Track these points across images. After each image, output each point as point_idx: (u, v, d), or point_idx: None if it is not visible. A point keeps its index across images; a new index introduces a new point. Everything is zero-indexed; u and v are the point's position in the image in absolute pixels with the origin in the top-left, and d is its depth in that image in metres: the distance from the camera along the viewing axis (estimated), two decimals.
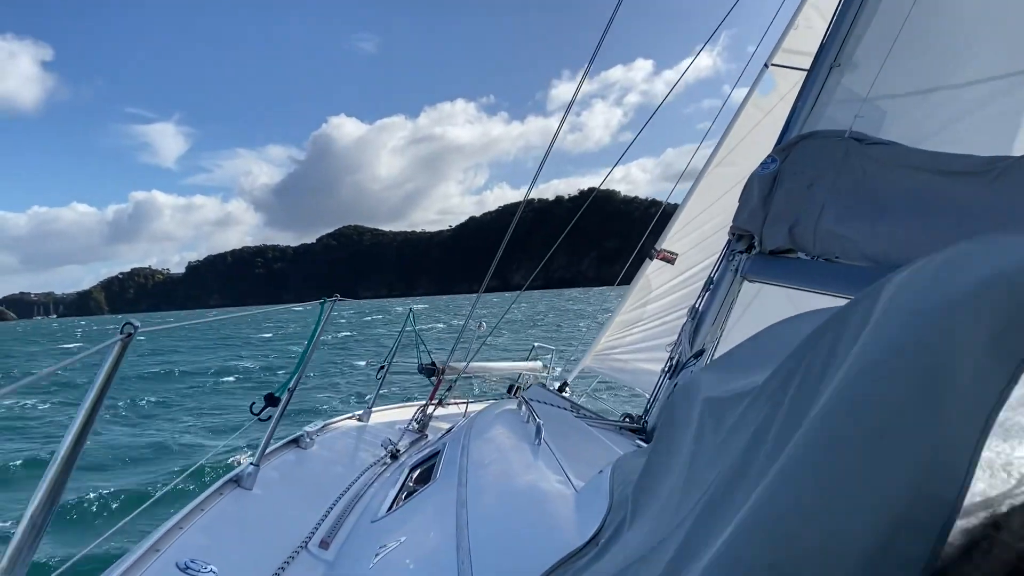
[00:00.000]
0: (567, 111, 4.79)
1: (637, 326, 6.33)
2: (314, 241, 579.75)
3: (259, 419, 3.29)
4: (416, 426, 5.19)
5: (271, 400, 3.35)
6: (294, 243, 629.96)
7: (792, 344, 1.05)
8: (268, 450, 3.39)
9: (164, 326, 2.09)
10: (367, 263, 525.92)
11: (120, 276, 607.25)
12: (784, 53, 5.12)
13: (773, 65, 5.20)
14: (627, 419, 4.03)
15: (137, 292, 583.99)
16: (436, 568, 1.95)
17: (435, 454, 3.49)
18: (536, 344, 7.14)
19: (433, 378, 5.71)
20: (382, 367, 5.33)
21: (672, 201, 6.15)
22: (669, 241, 5.90)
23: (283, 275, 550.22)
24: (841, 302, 1.02)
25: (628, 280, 6.48)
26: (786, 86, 5.18)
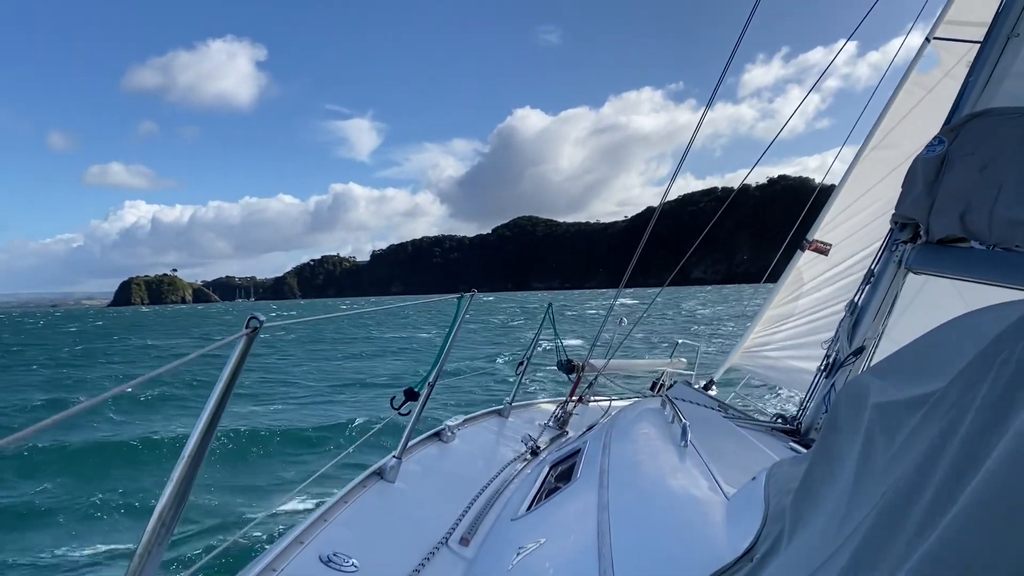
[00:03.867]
0: (709, 103, 4.60)
1: (788, 322, 6.06)
2: (489, 232, 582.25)
3: (399, 413, 3.33)
4: (556, 423, 5.21)
5: (410, 395, 3.41)
6: (473, 234, 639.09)
7: (978, 344, 0.92)
8: (410, 443, 3.43)
9: (288, 321, 2.05)
10: (540, 254, 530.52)
11: (311, 263, 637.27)
12: (948, 25, 4.67)
13: (935, 39, 4.76)
14: (779, 420, 3.86)
15: (326, 278, 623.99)
16: (577, 574, 1.88)
17: (575, 452, 3.46)
18: (680, 340, 6.95)
19: (572, 375, 5.66)
20: (522, 363, 5.38)
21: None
22: (822, 231, 5.58)
23: (459, 265, 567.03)
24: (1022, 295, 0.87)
25: (776, 276, 6.16)
26: (951, 60, 4.73)
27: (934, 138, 3.19)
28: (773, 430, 3.70)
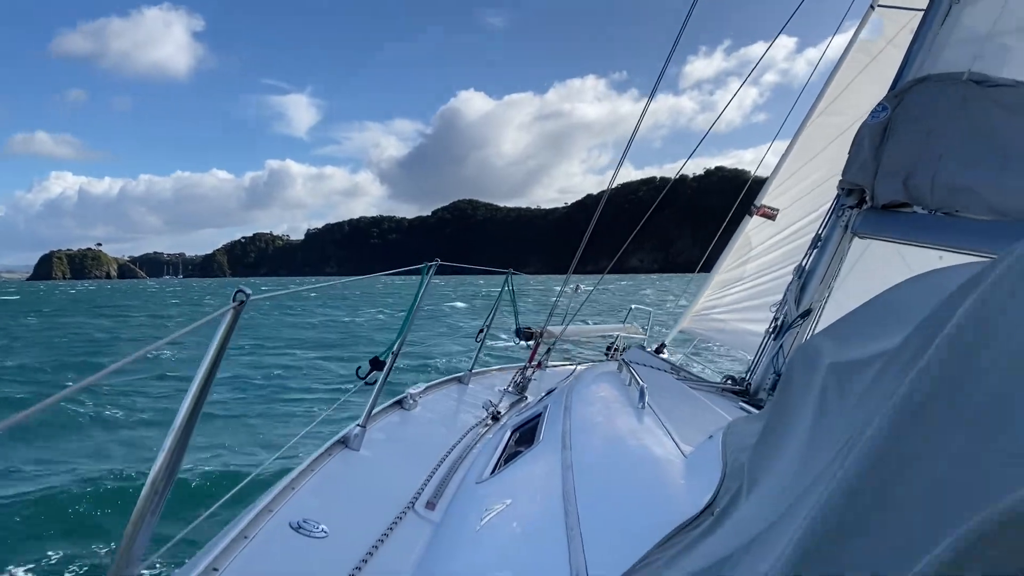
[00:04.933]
0: (652, 93, 4.65)
1: (736, 285, 6.23)
2: (429, 214, 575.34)
3: (366, 383, 3.32)
4: (516, 388, 5.27)
5: (376, 364, 3.40)
6: (413, 215, 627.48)
7: (929, 304, 0.94)
8: (374, 412, 3.44)
9: (275, 292, 2.06)
10: (479, 238, 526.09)
11: (243, 240, 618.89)
12: None
13: (880, 6, 4.85)
14: (729, 381, 3.97)
15: (257, 256, 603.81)
16: (544, 534, 1.93)
17: (536, 416, 3.50)
18: (633, 306, 7.05)
19: (531, 342, 5.72)
20: (481, 331, 5.42)
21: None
22: (769, 196, 5.69)
23: (397, 246, 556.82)
24: (964, 259, 0.90)
25: (711, 267, 6.29)
26: (894, 28, 4.83)
27: (878, 104, 3.28)
28: (724, 391, 3.80)
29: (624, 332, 6.50)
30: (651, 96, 4.80)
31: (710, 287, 6.35)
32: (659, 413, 2.82)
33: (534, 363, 5.67)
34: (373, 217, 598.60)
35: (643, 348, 5.28)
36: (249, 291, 1.69)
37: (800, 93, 5.97)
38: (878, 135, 3.20)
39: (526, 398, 5.12)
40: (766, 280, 5.89)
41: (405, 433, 3.80)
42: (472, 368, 5.39)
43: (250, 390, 13.71)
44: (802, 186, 5.65)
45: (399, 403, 4.13)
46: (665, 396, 3.27)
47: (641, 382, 3.13)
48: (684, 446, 2.35)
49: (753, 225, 5.94)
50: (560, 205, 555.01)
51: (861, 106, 3.42)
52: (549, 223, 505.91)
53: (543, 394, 4.64)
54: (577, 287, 6.04)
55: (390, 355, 3.37)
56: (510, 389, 5.22)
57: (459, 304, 48.99)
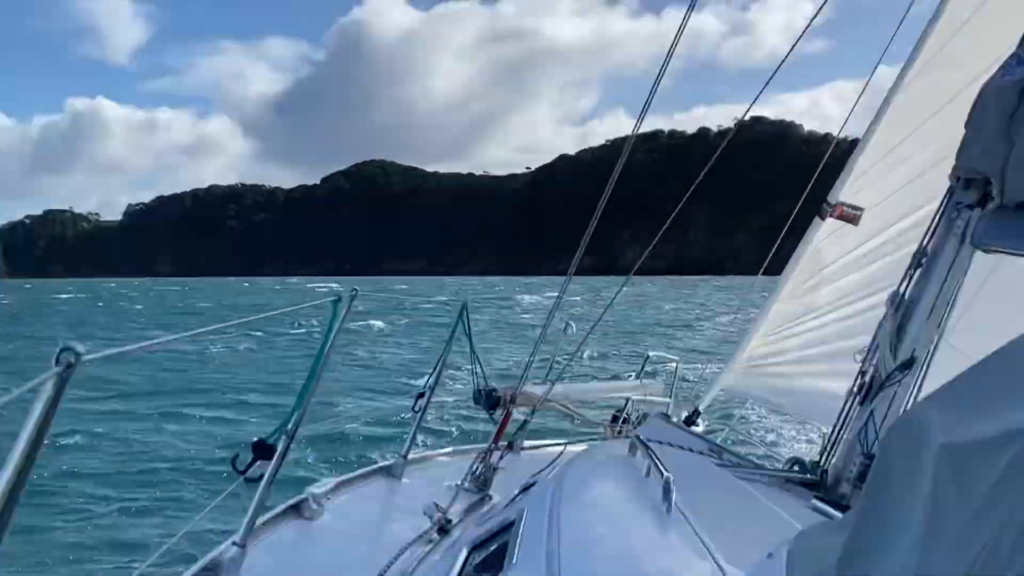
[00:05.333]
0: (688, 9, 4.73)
1: (803, 322, 6.34)
2: (319, 182, 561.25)
3: (245, 478, 3.37)
4: (475, 483, 5.34)
5: (262, 449, 3.42)
6: (293, 184, 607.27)
7: None
8: (259, 522, 3.45)
9: (122, 349, 2.24)
10: (395, 219, 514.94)
11: (26, 221, 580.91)
12: None
13: None
14: (796, 468, 4.04)
15: (49, 246, 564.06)
16: None
17: (506, 527, 3.49)
18: (652, 354, 7.13)
19: (498, 411, 5.77)
20: (421, 394, 5.55)
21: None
22: (849, 191, 5.78)
23: (267, 232, 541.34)
24: None
25: (779, 268, 6.42)
26: None
27: (1010, 57, 3.37)
28: (788, 482, 3.85)
29: (638, 393, 6.57)
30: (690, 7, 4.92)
31: (765, 324, 6.44)
32: (693, 519, 2.84)
33: (502, 444, 5.72)
34: (231, 187, 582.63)
35: (667, 418, 5.33)
36: (80, 348, 1.76)
37: (897, 27, 6.05)
38: (1012, 100, 3.28)
39: (491, 498, 5.17)
40: (847, 314, 6.00)
41: (305, 555, 3.82)
42: (407, 451, 5.48)
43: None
44: (896, 176, 5.77)
45: (296, 509, 4.22)
46: (702, 491, 3.32)
47: (665, 471, 3.16)
48: (732, 570, 2.39)
49: (826, 232, 6.03)
50: (520, 170, 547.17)
51: (984, 59, 3.51)
52: (504, 198, 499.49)
53: (516, 492, 4.67)
54: (567, 326, 6.12)
55: (282, 436, 3.40)
56: (466, 485, 5.25)
57: (376, 323, 49.28)
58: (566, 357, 6.07)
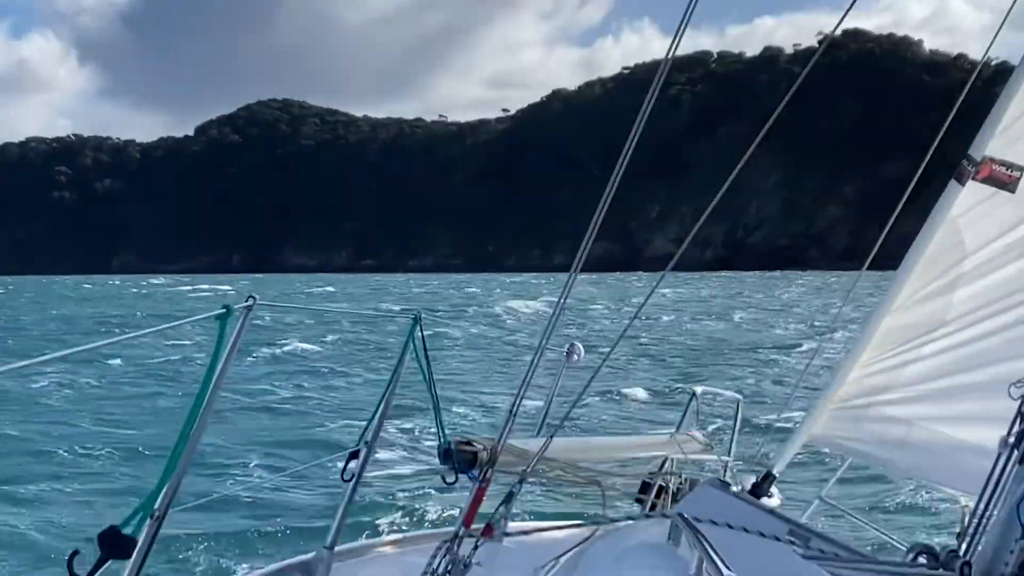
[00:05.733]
0: None
1: (929, 341, 6.35)
2: (192, 134, 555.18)
3: None
4: None
5: (115, 543, 3.47)
6: (155, 137, 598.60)
7: None
8: None
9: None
10: (305, 187, 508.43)
11: None
12: None
13: None
14: (922, 558, 4.04)
15: None
16: None
17: None
18: (700, 389, 7.15)
19: (472, 473, 5.78)
20: (355, 454, 5.75)
21: None
22: (1000, 142, 5.80)
23: (117, 203, 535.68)
24: None
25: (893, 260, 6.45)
26: None
27: None
28: None
29: (680, 450, 6.58)
30: None
31: (869, 344, 6.45)
32: None
33: (476, 527, 5.76)
34: (60, 140, 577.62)
35: (725, 486, 5.37)
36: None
37: None
38: None
39: None
40: (998, 326, 6.06)
41: None
42: (334, 540, 5.65)
43: None
44: None
45: None
46: None
47: (726, 568, 3.16)
48: None
49: (968, 203, 6.08)
50: (493, 115, 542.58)
51: None
52: (470, 155, 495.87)
53: None
54: (572, 349, 6.13)
55: (146, 520, 3.44)
56: None
57: (301, 345, 49.76)
58: (570, 396, 6.10)
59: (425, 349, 5.86)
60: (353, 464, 5.79)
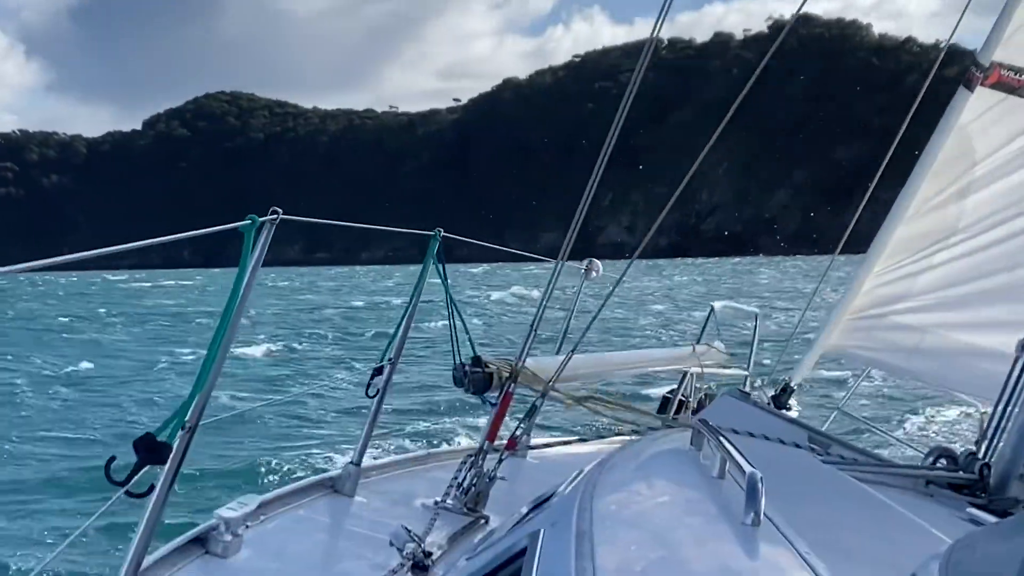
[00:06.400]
0: None
1: (942, 248, 6.42)
2: (140, 128, 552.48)
3: (128, 492, 3.48)
4: (462, 499, 5.52)
5: (150, 449, 3.52)
6: (102, 132, 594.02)
7: None
8: (147, 561, 3.54)
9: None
10: (253, 180, 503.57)
11: None
12: None
13: None
14: (942, 462, 4.20)
15: None
16: None
17: (512, 560, 3.52)
18: (719, 304, 7.20)
19: (492, 394, 5.81)
20: (379, 370, 5.76)
21: None
22: (1010, 46, 5.86)
23: (64, 199, 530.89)
24: None
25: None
26: None
27: None
28: (931, 484, 3.91)
29: (699, 363, 6.61)
30: None
31: (883, 255, 6.49)
32: (792, 534, 2.88)
33: (499, 442, 5.84)
34: (7, 136, 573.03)
35: (745, 396, 5.40)
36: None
37: None
38: None
39: (485, 521, 5.37)
40: (1012, 231, 6.10)
41: None
42: (360, 455, 5.70)
43: None
44: None
45: (201, 541, 4.41)
46: (803, 498, 3.44)
47: (749, 466, 3.16)
48: None
49: (977, 109, 6.12)
50: (443, 105, 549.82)
51: None
52: (421, 145, 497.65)
53: (524, 511, 4.71)
54: (590, 266, 6.17)
55: (179, 429, 3.59)
56: (449, 502, 5.46)
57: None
58: (586, 310, 6.14)
59: (444, 266, 5.97)
60: (377, 380, 5.82)
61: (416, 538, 4.61)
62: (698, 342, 7.04)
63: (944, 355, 6.30)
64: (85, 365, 39.71)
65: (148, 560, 3.80)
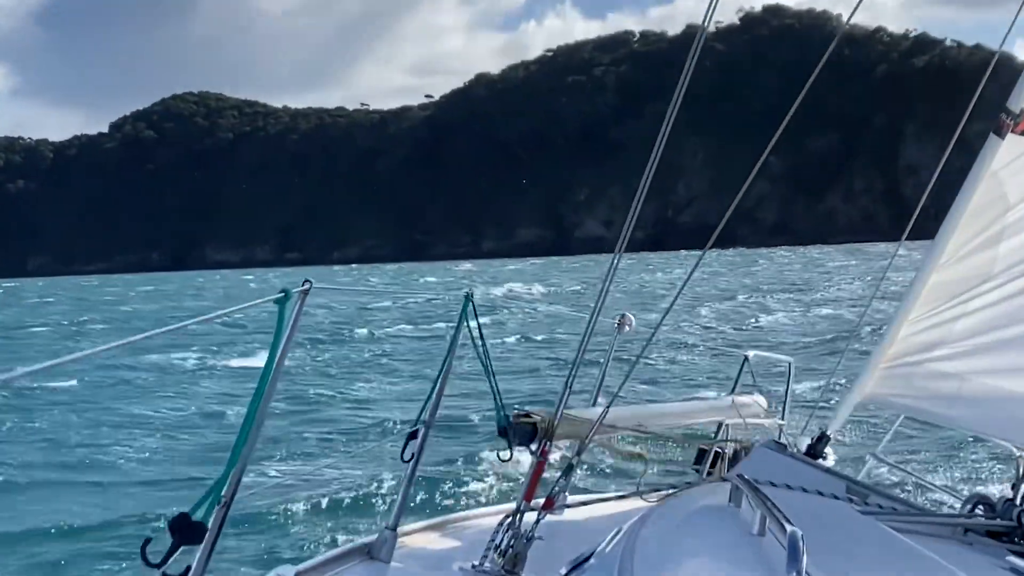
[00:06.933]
0: None
1: (977, 295, 6.44)
2: (107, 131, 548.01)
3: (164, 574, 3.50)
4: (500, 559, 5.46)
5: (185, 529, 3.58)
6: (68, 135, 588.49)
7: None
8: None
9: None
10: (223, 180, 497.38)
11: None
12: None
13: None
14: (979, 509, 4.08)
15: None
16: None
17: None
18: (752, 354, 7.20)
19: (532, 447, 5.78)
20: (413, 434, 5.81)
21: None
22: None
23: (30, 204, 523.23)
24: None
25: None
26: None
27: None
28: (969, 532, 3.91)
29: (736, 415, 6.61)
30: None
31: (918, 301, 6.50)
32: None
33: (536, 501, 5.81)
34: None
35: (781, 448, 5.41)
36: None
37: None
38: None
39: None
40: None
41: None
42: (396, 520, 5.68)
43: None
44: None
45: None
46: (844, 551, 3.46)
47: (789, 524, 3.18)
48: None
49: (1010, 155, 6.13)
50: (416, 101, 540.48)
51: None
52: (393, 143, 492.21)
53: (564, 571, 4.72)
54: (623, 320, 6.18)
55: (214, 507, 3.65)
56: (487, 565, 5.44)
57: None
58: (623, 366, 6.15)
59: (479, 325, 5.93)
60: (412, 444, 5.86)
61: None
62: (733, 391, 7.04)
63: (982, 401, 6.30)
64: None
65: None
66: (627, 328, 6.44)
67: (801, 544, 2.99)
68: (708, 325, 57.90)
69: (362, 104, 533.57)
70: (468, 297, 6.00)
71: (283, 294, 4.11)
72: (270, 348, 4.02)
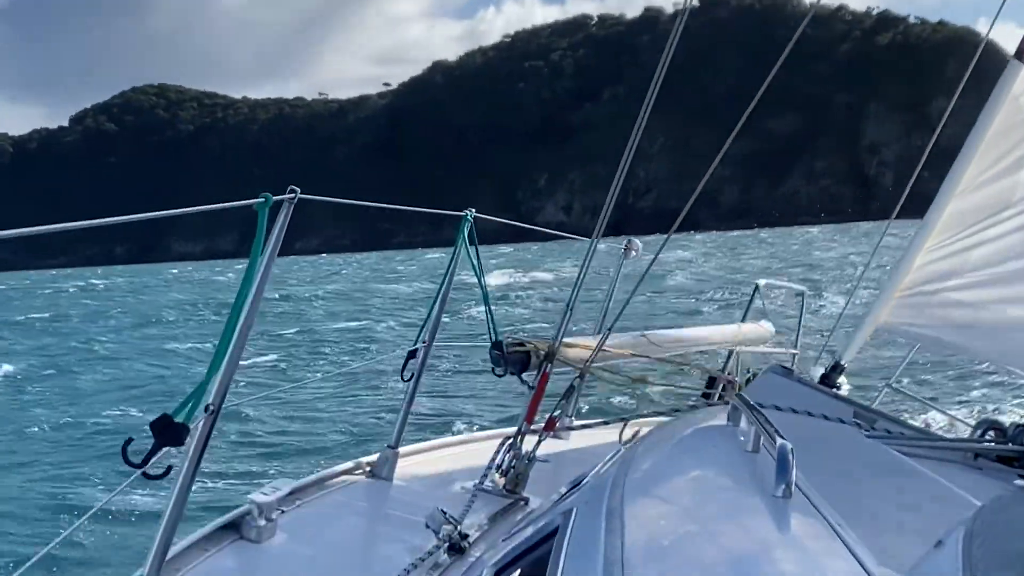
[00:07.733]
0: None
1: (996, 222, 6.39)
2: (67, 124, 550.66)
3: (145, 474, 3.53)
4: (500, 482, 5.61)
5: (167, 431, 3.56)
6: (27, 130, 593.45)
7: None
8: (175, 549, 3.75)
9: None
10: (183, 170, 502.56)
11: None
12: None
13: None
14: (989, 434, 4.29)
15: None
16: None
17: (546, 539, 3.54)
18: (764, 281, 7.20)
19: (529, 374, 5.95)
20: (413, 353, 5.88)
21: None
22: None
23: None
24: None
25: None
26: None
27: None
28: (978, 456, 3.90)
29: (743, 340, 6.61)
30: None
31: (934, 229, 6.46)
32: (824, 506, 2.89)
33: (538, 423, 5.91)
34: None
35: (789, 371, 5.40)
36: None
37: None
38: None
39: (524, 503, 5.47)
40: None
41: None
42: (397, 439, 5.76)
43: None
44: None
45: (235, 526, 4.50)
46: (841, 470, 3.52)
47: (779, 438, 3.14)
48: (883, 571, 2.47)
49: None
50: (373, 91, 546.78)
51: None
52: (352, 132, 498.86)
53: (563, 492, 4.70)
54: (629, 246, 6.16)
55: (199, 410, 3.66)
56: (487, 485, 5.57)
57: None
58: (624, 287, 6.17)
59: (476, 247, 6.07)
60: (412, 363, 5.93)
61: (453, 520, 4.69)
62: (743, 320, 7.08)
63: (998, 331, 6.31)
64: None
65: (179, 546, 3.90)
66: (633, 253, 6.47)
67: (790, 457, 2.99)
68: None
69: (320, 94, 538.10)
70: (467, 218, 6.14)
71: (264, 199, 4.14)
72: (251, 254, 4.05)
